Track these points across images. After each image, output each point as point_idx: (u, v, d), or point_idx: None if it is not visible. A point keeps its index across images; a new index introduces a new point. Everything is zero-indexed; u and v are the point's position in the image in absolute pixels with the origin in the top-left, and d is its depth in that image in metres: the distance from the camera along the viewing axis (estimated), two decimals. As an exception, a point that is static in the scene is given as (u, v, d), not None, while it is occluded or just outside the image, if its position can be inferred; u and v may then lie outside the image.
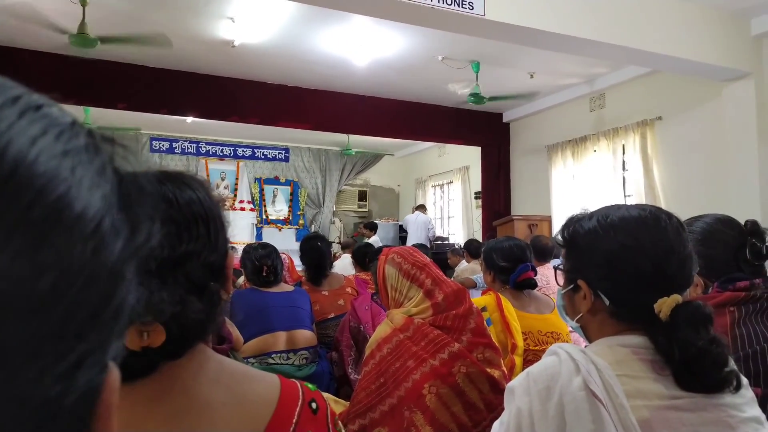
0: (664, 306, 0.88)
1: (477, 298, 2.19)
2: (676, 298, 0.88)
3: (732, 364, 0.89)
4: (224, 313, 0.75)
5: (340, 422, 0.82)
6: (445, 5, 3.77)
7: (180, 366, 0.68)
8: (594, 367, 0.85)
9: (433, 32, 4.95)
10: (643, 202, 5.69)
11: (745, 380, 0.92)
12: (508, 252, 2.39)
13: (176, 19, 4.97)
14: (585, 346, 0.97)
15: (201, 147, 10.29)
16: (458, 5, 3.83)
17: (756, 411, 0.90)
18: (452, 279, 5.27)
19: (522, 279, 2.32)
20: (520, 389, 0.90)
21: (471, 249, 5.93)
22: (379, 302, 2.52)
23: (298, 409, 0.74)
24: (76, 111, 7.44)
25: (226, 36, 5.32)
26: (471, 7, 3.87)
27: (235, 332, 2.15)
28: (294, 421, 0.72)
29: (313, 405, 0.77)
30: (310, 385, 0.80)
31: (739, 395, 0.89)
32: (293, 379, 0.80)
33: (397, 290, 1.77)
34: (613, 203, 1.05)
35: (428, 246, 7.53)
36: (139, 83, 6.18)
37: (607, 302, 0.94)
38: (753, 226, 1.36)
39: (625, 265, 0.92)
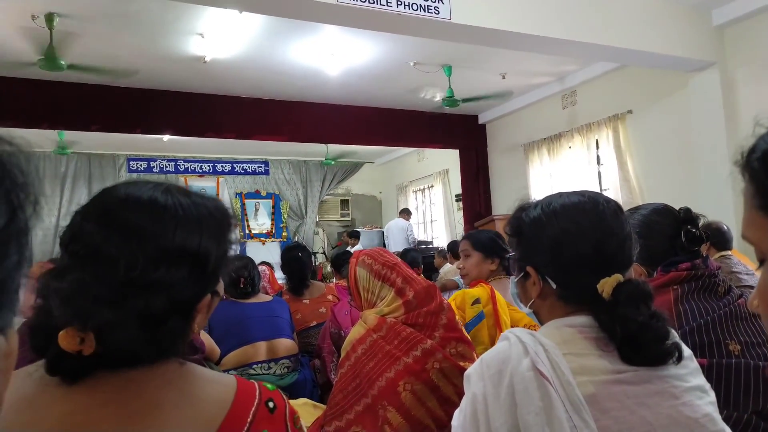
0: (606, 285, 0.92)
1: (471, 290, 2.19)
2: (617, 278, 0.93)
3: (673, 337, 0.94)
4: (187, 338, 0.75)
5: (301, 421, 0.84)
6: (410, 11, 3.83)
7: (136, 370, 0.70)
8: (542, 347, 0.89)
9: (403, 38, 5.01)
10: (619, 195, 5.81)
11: (688, 351, 0.97)
12: (503, 238, 2.43)
13: (145, 38, 4.98)
14: None
15: (179, 165, 10.26)
16: (424, 10, 3.89)
17: (700, 380, 0.95)
18: (436, 281, 5.30)
19: None
20: (475, 375, 0.93)
21: (454, 250, 5.98)
22: (355, 306, 2.55)
23: (253, 408, 0.75)
24: (49, 134, 7.40)
25: (196, 52, 5.34)
26: (437, 12, 3.93)
27: (209, 342, 2.16)
28: (249, 420, 0.74)
29: (270, 404, 0.78)
30: (269, 385, 0.82)
31: (682, 366, 0.93)
32: (253, 381, 0.82)
33: (369, 291, 1.80)
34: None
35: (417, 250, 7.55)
36: (112, 104, 6.17)
37: (554, 286, 0.99)
38: (686, 214, 1.44)
39: (568, 249, 0.97)
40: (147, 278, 0.66)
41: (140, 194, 0.71)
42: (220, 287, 0.80)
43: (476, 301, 2.12)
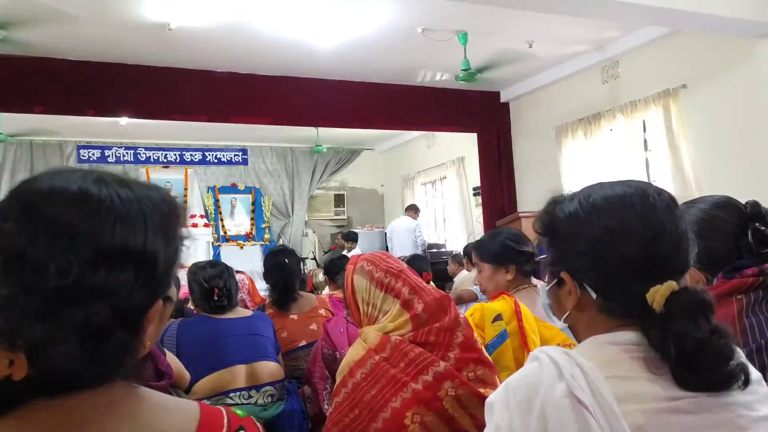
0: (657, 295, 0.92)
1: (490, 304, 2.20)
2: (670, 285, 0.92)
3: (739, 357, 0.94)
4: (137, 354, 0.75)
5: None
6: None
7: (77, 396, 0.70)
8: (579, 370, 0.89)
9: (409, 0, 5.01)
10: (671, 187, 5.79)
11: (756, 374, 0.97)
12: (520, 236, 2.46)
13: (99, 1, 4.98)
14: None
15: (139, 153, 10.29)
16: (434, -35, 3.89)
17: (771, 409, 0.95)
18: (450, 291, 5.30)
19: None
20: (499, 404, 0.93)
21: (471, 254, 5.99)
22: (352, 321, 2.56)
23: None
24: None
25: (159, 18, 5.34)
26: (449, -33, 3.94)
27: (177, 366, 2.16)
28: None
29: None
30: (240, 412, 0.83)
31: (749, 392, 0.93)
32: (219, 407, 0.83)
33: (370, 304, 1.81)
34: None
35: (425, 256, 7.56)
36: (59, 80, 6.18)
37: (594, 295, 0.99)
38: (754, 208, 1.43)
39: (611, 251, 0.97)
40: (84, 285, 0.66)
41: (68, 186, 0.71)
42: (173, 292, 0.80)
43: (497, 318, 2.13)
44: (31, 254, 0.65)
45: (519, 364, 2.02)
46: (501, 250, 2.44)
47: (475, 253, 2.54)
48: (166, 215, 0.76)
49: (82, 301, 0.66)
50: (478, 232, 9.05)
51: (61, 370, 0.68)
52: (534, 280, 2.46)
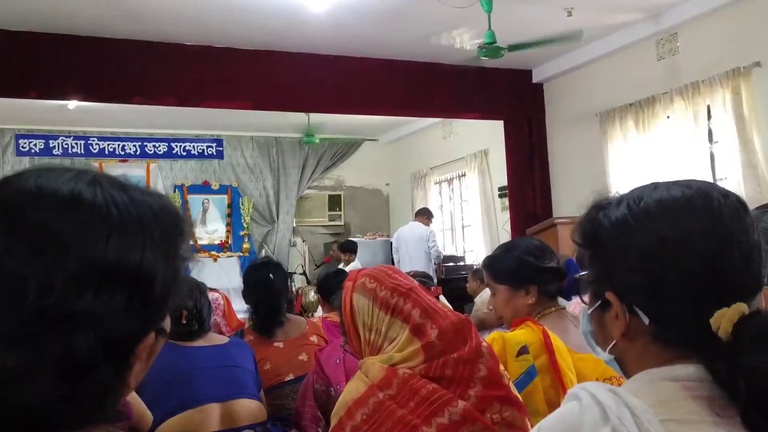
0: (724, 320, 0.92)
1: (513, 333, 2.19)
2: (739, 308, 0.93)
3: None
4: (120, 395, 0.76)
5: None
6: None
7: None
8: (628, 411, 0.89)
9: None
10: (742, 187, 5.78)
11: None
12: (541, 249, 2.44)
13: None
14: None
15: (92, 144, 10.31)
16: None
17: None
18: (471, 314, 5.30)
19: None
20: (531, 451, 0.94)
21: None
22: (351, 351, 2.56)
23: None
24: None
25: (117, -21, 5.37)
26: None
27: (137, 404, 2.16)
28: None
29: None
30: None
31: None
32: None
33: (373, 329, 1.80)
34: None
35: (432, 275, 7.54)
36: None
37: (647, 321, 0.99)
38: None
39: (667, 267, 0.97)
40: (67, 307, 0.66)
41: (57, 186, 0.71)
42: (167, 324, 0.80)
43: (522, 350, 2.11)
44: (8, 265, 0.66)
45: (552, 406, 2.01)
46: (518, 267, 2.40)
47: (487, 272, 2.49)
48: (166, 228, 0.77)
49: (63, 327, 0.66)
50: (505, 241, 9.04)
51: (34, 408, 0.67)
52: (561, 302, 2.43)
